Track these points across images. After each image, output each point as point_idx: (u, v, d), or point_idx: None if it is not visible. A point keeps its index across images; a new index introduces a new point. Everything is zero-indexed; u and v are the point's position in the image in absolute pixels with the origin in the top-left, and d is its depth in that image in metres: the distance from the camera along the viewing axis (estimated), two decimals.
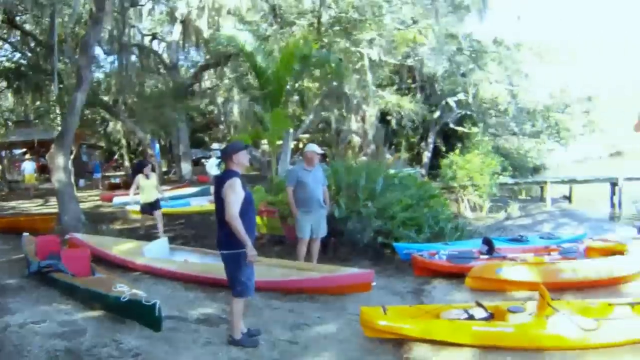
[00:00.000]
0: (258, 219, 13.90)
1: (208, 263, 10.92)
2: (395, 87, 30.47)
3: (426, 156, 31.55)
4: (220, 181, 7.01)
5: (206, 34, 26.18)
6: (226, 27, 22.65)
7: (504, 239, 14.04)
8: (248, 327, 7.49)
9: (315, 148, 11.22)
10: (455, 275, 10.86)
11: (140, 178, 15.52)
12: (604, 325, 7.38)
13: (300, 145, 33.93)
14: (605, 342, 7.30)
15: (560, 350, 7.26)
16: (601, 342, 7.29)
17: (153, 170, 17.11)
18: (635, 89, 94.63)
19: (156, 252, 11.77)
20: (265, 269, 9.53)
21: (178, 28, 30.38)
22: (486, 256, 11.41)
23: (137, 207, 17.13)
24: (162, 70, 34.76)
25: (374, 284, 9.55)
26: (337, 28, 24.74)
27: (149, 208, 15.62)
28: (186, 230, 17.37)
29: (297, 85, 23.32)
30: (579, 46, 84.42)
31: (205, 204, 19.53)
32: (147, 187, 15.47)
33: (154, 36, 34.61)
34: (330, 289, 9.69)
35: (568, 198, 29.84)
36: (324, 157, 24.36)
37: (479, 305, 7.94)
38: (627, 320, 7.79)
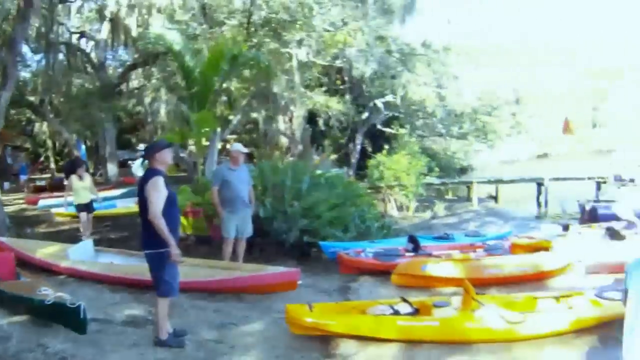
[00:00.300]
0: (184, 220, 13.80)
1: (133, 264, 10.69)
2: (323, 88, 30.50)
3: (354, 157, 31.62)
4: (143, 180, 6.91)
5: (135, 32, 25.83)
6: (155, 26, 22.39)
7: (430, 236, 14.20)
8: (174, 328, 7.38)
9: (240, 147, 11.17)
10: (382, 272, 10.96)
11: (73, 179, 15.08)
12: (529, 317, 7.56)
13: (228, 146, 33.72)
14: (530, 334, 7.50)
15: (486, 342, 7.38)
16: (527, 334, 7.48)
17: (87, 170, 16.71)
18: (563, 91, 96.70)
19: (81, 255, 11.52)
20: (191, 270, 9.42)
21: (107, 26, 29.89)
22: (412, 253, 11.55)
23: (64, 209, 16.77)
24: (89, 70, 34.18)
25: (300, 282, 9.56)
26: (266, 29, 24.67)
27: (84, 208, 15.22)
28: (112, 233, 17.10)
29: (224, 85, 23.11)
30: (509, 49, 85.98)
31: (131, 205, 19.17)
32: (81, 189, 15.03)
33: (82, 34, 33.95)
34: (256, 288, 9.64)
35: (494, 198, 30.28)
36: (250, 157, 24.21)
37: (405, 300, 8.01)
38: (551, 312, 8.02)
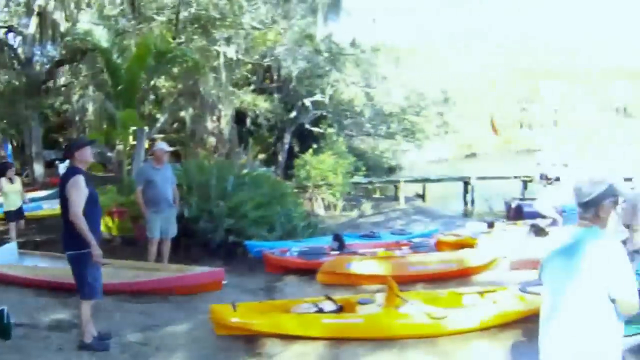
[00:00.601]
0: (109, 221, 13.64)
1: (58, 267, 10.43)
2: (252, 86, 30.43)
3: (282, 156, 31.60)
4: (63, 179, 6.81)
5: (63, 27, 25.35)
6: (84, 21, 22.05)
7: (356, 235, 14.34)
8: (99, 331, 7.24)
9: (164, 146, 11.07)
10: (307, 271, 11.00)
11: (3, 182, 14.50)
12: (453, 313, 7.68)
13: None
14: (455, 329, 7.64)
15: (411, 338, 7.47)
16: (451, 329, 7.62)
17: (17, 173, 16.18)
18: (491, 93, 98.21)
19: (5, 258, 11.18)
20: (116, 271, 9.33)
21: (35, 20, 29.22)
22: (337, 252, 11.61)
23: None
24: (16, 66, 33.41)
25: (225, 282, 9.51)
26: (195, 26, 24.50)
27: (15, 216, 14.59)
28: (38, 235, 16.67)
29: (152, 83, 22.86)
30: (439, 49, 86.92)
31: (57, 207, 18.75)
32: (11, 193, 14.42)
33: (9, 29, 33.15)
34: (181, 289, 9.55)
35: (422, 196, 30.55)
36: (177, 156, 23.98)
37: (329, 298, 8.06)
38: (475, 307, 8.16)
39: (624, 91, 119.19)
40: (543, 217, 14.43)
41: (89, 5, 23.57)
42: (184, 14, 23.93)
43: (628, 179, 15.18)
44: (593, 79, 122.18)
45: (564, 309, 3.65)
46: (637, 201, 8.92)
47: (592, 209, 3.66)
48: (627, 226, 9.35)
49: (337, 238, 12.11)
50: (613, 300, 3.54)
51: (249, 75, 30.59)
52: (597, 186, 3.65)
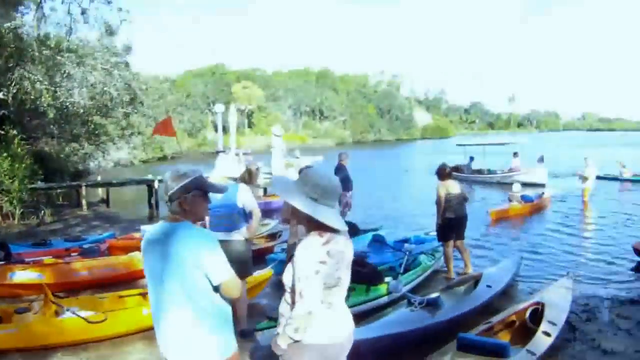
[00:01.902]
0: None
1: None
2: None
3: None
4: None
5: None
6: None
7: (27, 244, 14.15)
8: None
9: None
10: None
11: None
12: (112, 316, 7.94)
13: None
14: (114, 332, 8.00)
15: (68, 345, 7.63)
16: (110, 333, 7.96)
17: None
18: (178, 95, 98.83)
19: None
20: None
21: None
22: (2, 262, 11.39)
23: None
24: None
25: None
26: None
27: None
28: None
29: None
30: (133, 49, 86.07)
31: None
32: None
33: None
34: None
35: (106, 201, 30.15)
36: None
37: None
38: (136, 309, 8.49)
39: (317, 93, 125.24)
40: None
41: None
42: None
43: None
44: (286, 81, 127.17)
45: (166, 301, 3.96)
46: None
47: (175, 202, 3.96)
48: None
49: (2, 247, 11.89)
50: (216, 287, 3.90)
51: None
52: (179, 180, 3.96)
